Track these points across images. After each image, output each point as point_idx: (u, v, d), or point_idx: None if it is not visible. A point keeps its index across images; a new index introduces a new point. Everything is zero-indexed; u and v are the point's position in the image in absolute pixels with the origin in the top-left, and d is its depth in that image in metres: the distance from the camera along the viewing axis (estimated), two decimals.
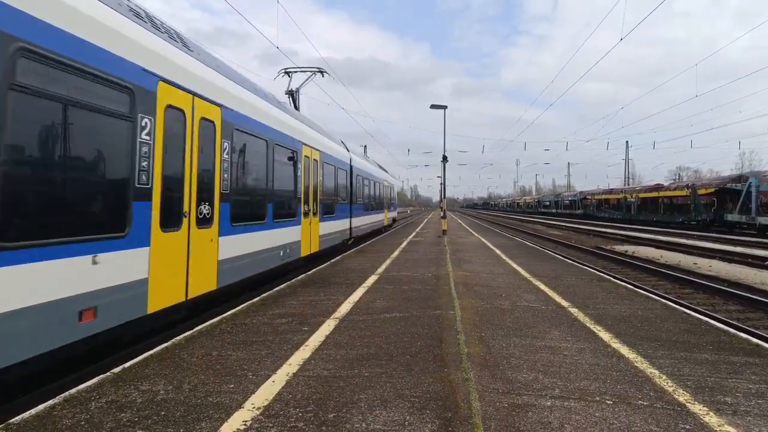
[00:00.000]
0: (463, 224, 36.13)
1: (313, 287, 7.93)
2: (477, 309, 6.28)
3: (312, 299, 6.90)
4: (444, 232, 21.62)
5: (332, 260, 11.86)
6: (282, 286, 8.04)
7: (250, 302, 6.62)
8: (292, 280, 8.63)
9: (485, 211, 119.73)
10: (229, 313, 5.96)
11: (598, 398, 3.36)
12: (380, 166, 28.04)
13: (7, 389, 3.68)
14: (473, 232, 24.99)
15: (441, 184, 24.55)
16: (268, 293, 7.33)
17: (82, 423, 2.91)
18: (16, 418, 2.98)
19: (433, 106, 21.55)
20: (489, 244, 17.13)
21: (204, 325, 5.35)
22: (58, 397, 3.29)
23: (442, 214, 23.63)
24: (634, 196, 41.96)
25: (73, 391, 3.41)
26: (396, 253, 13.77)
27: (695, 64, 25.67)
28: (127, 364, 3.99)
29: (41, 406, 3.14)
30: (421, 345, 4.62)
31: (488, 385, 3.57)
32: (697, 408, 3.21)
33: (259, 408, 3.15)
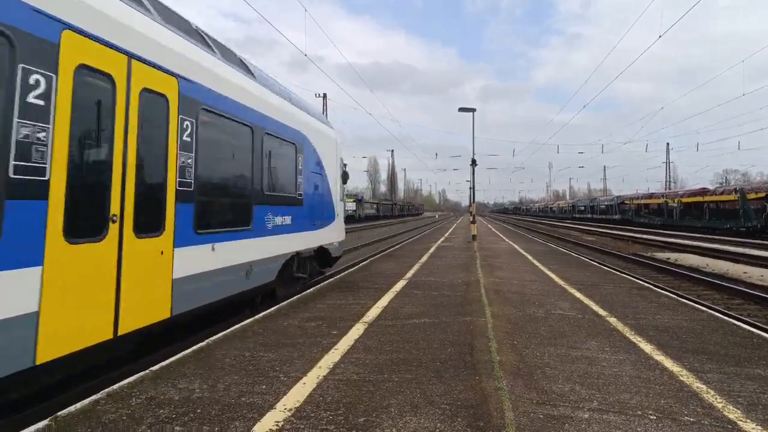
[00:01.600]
0: (493, 229, 35.51)
1: (342, 291, 7.98)
2: (509, 317, 6.13)
3: (340, 303, 6.94)
4: (474, 237, 21.33)
5: (360, 264, 11.91)
6: (310, 290, 8.13)
7: (279, 305, 6.74)
8: (321, 284, 8.72)
9: (516, 216, 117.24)
10: (260, 315, 6.08)
11: (640, 412, 3.20)
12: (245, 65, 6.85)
13: (54, 385, 3.89)
14: (504, 238, 24.50)
15: (470, 188, 24.29)
16: (296, 297, 7.44)
17: (124, 418, 3.03)
18: (63, 411, 3.13)
19: (461, 109, 21.40)
20: (521, 250, 16.74)
21: (236, 326, 5.47)
22: (101, 393, 3.44)
23: (471, 218, 23.34)
24: (676, 200, 40.06)
25: (115, 387, 3.56)
26: (424, 258, 13.68)
27: (741, 61, 24.21)
28: (164, 363, 4.14)
29: (86, 401, 3.30)
30: (452, 352, 4.55)
31: (522, 395, 3.47)
32: (749, 426, 3.00)
33: (290, 409, 3.18)
